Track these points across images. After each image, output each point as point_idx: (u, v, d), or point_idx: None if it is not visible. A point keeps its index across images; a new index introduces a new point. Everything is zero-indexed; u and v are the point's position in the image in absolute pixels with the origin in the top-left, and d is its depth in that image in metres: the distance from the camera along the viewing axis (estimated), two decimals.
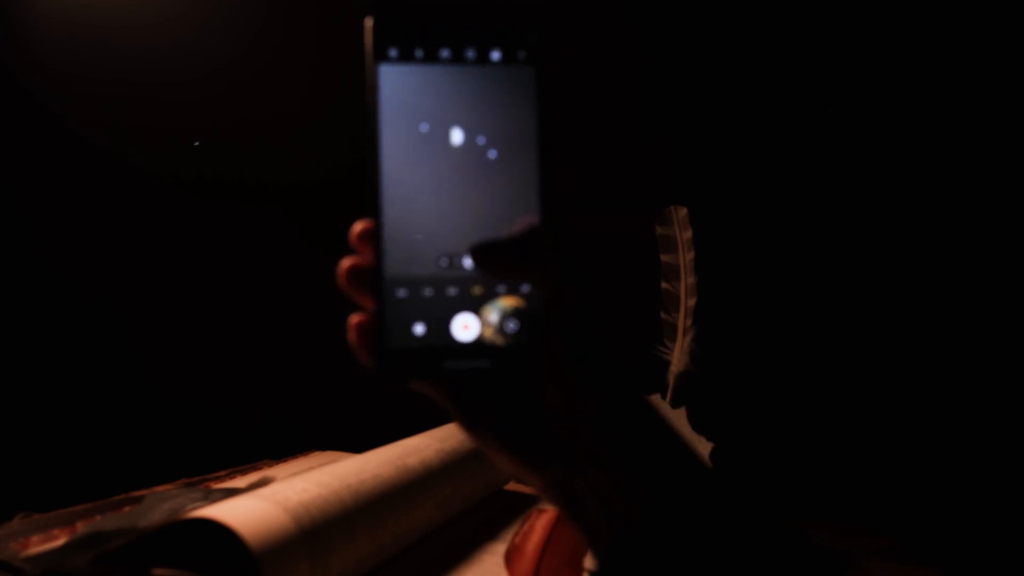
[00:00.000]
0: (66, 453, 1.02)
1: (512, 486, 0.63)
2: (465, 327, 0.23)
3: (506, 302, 0.24)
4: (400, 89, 0.24)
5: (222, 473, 0.62)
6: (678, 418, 0.65)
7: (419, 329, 0.23)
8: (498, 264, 0.24)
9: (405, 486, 0.46)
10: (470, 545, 0.47)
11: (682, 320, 0.67)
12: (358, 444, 0.61)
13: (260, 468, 0.64)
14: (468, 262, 0.24)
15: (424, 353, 0.23)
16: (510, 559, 0.42)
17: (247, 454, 0.68)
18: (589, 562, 0.43)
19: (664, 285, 0.68)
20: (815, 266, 0.68)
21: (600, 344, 0.25)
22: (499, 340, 0.23)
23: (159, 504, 0.46)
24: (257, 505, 0.36)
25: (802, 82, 0.68)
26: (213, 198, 0.96)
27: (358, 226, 0.24)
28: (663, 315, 0.68)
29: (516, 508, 0.55)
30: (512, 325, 0.23)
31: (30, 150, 1.03)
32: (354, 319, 0.24)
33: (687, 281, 0.66)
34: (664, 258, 0.68)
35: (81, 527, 0.45)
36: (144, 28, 0.97)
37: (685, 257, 0.66)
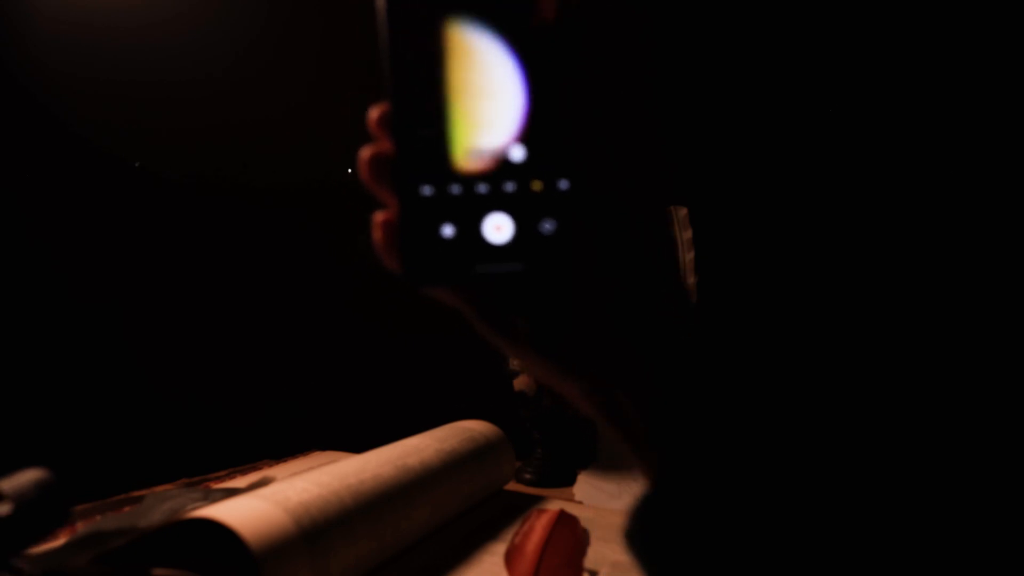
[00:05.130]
0: (66, 453, 1.02)
1: (512, 486, 0.63)
2: (497, 228, 0.21)
3: (542, 202, 0.21)
4: None
5: (222, 473, 0.62)
6: None
7: (448, 230, 0.21)
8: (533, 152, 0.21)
9: (405, 486, 0.46)
10: (470, 545, 0.47)
11: None
12: (358, 444, 0.61)
13: (260, 468, 0.64)
14: (499, 156, 0.21)
15: (454, 256, 0.21)
16: (510, 559, 0.42)
17: (247, 454, 0.68)
18: (589, 562, 0.43)
19: None
20: (815, 265, 0.68)
21: (639, 247, 0.23)
22: (534, 242, 0.21)
23: (159, 504, 0.46)
24: (257, 505, 0.36)
25: (802, 81, 0.68)
26: (213, 198, 0.96)
27: (375, 111, 0.22)
28: None
29: (516, 508, 0.55)
30: (548, 226, 0.21)
31: (30, 150, 1.03)
32: (380, 216, 0.22)
33: (687, 281, 0.66)
34: None
35: (81, 527, 0.45)
36: (144, 28, 0.96)
37: (685, 257, 0.66)
